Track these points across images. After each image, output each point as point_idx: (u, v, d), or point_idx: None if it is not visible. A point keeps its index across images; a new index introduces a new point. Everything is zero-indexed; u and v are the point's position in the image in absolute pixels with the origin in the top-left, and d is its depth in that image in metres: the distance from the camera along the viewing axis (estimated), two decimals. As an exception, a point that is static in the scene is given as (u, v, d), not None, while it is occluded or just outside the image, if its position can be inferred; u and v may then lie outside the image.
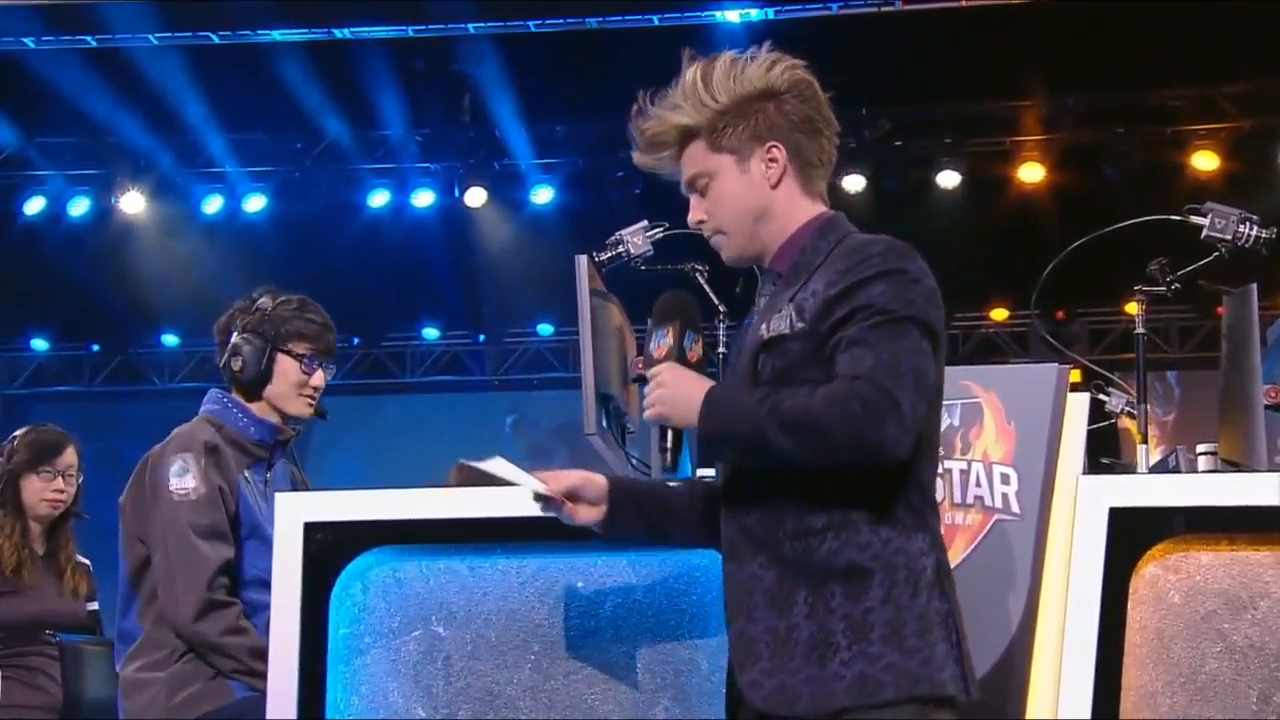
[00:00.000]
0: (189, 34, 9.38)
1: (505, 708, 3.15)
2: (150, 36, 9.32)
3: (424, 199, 10.44)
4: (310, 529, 3.21)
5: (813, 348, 2.52)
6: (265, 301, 3.95)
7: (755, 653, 2.54)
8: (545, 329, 11.10)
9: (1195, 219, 3.47)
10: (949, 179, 9.88)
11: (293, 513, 3.23)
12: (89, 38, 9.25)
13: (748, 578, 2.57)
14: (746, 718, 2.59)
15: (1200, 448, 3.50)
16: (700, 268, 3.66)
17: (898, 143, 9.87)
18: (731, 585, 2.61)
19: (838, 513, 2.52)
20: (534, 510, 3.22)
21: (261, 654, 3.53)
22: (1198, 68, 9.61)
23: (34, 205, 10.49)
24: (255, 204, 10.50)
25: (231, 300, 4.07)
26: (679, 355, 2.75)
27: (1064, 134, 10.08)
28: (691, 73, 2.66)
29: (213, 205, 10.58)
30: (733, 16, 9.15)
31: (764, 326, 2.60)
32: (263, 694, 3.55)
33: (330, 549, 3.19)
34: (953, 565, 3.01)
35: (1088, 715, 3.03)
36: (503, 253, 10.50)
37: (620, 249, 3.64)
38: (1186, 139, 10.00)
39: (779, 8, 9.03)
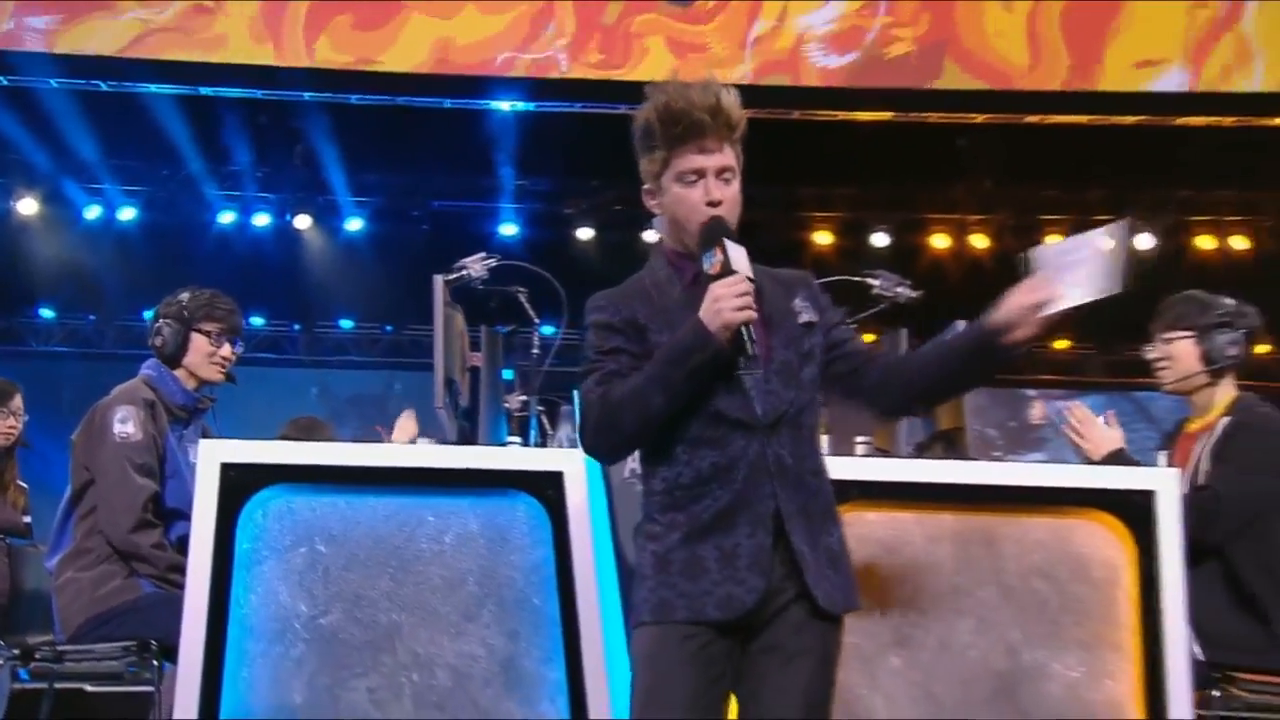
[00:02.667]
0: (83, 81, 8.85)
1: (368, 606, 3.12)
2: (51, 81, 8.76)
3: (262, 220, 10.01)
4: (225, 468, 3.11)
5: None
6: (184, 295, 3.82)
7: (806, 561, 2.36)
8: (347, 323, 10.76)
9: (870, 280, 3.60)
10: (652, 235, 9.92)
11: (212, 455, 3.13)
12: (1, 78, 8.64)
13: (786, 498, 2.37)
14: (715, 615, 2.34)
15: (859, 439, 3.54)
16: (522, 290, 3.64)
17: (617, 207, 9.88)
18: (778, 502, 2.37)
19: (822, 460, 2.49)
20: (398, 461, 3.19)
21: (175, 567, 3.42)
22: (821, 172, 9.92)
23: (-54, 205, 9.74)
24: (127, 214, 9.88)
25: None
26: (726, 269, 2.37)
27: (730, 212, 10.30)
28: (730, 93, 2.43)
29: (92, 212, 9.91)
30: (504, 106, 9.08)
31: (802, 315, 2.47)
32: (168, 592, 3.44)
33: (240, 484, 3.11)
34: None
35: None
36: (320, 265, 10.15)
37: (464, 272, 3.58)
38: (810, 223, 10.22)
39: (539, 103, 9.02)
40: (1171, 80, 8.73)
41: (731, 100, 2.43)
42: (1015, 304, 2.37)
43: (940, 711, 3.07)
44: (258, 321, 10.88)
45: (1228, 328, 3.61)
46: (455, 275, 3.57)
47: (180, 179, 9.79)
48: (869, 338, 3.76)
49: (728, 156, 2.44)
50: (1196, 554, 3.24)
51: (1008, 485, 3.19)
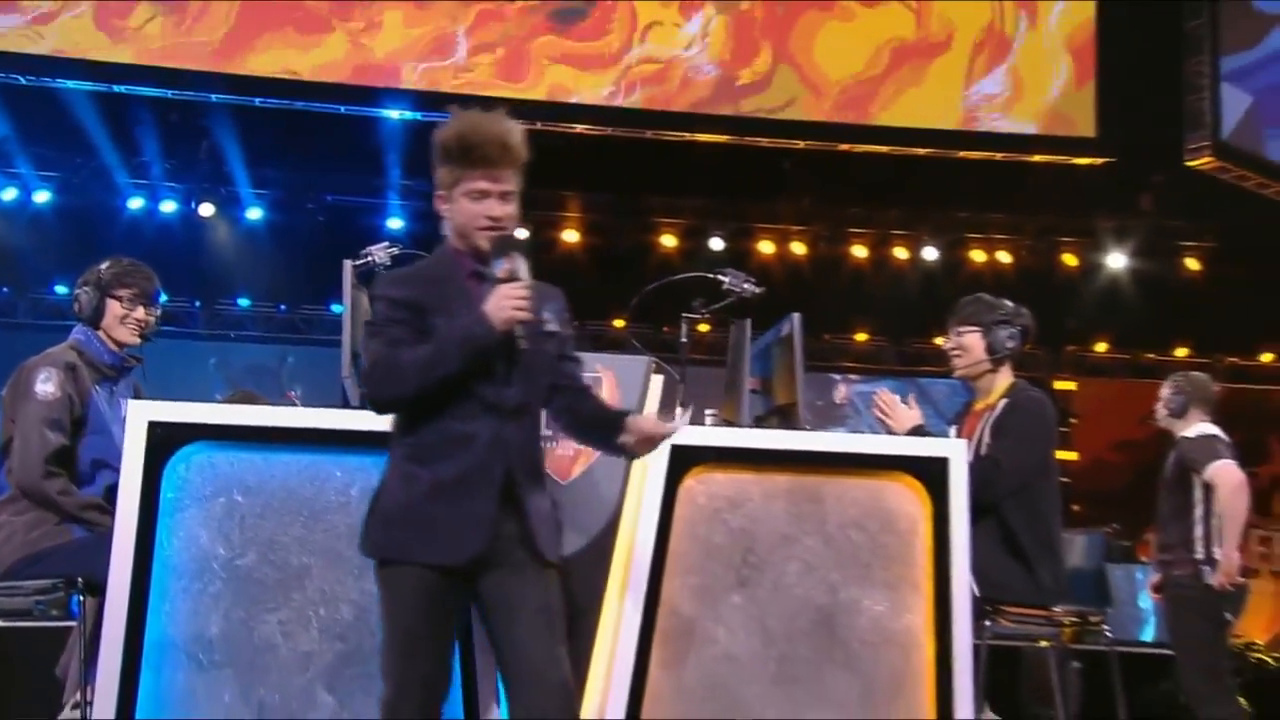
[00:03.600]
0: (2, 75, 8.34)
1: (281, 550, 3.05)
2: (-31, 72, 8.26)
3: (169, 207, 9.58)
4: (152, 425, 3.00)
5: None
6: (104, 265, 3.67)
7: (531, 520, 2.51)
8: (244, 302, 10.37)
9: (722, 277, 3.64)
10: (520, 234, 9.80)
11: (141, 414, 3.02)
12: (-80, 68, 8.10)
13: (516, 468, 2.51)
14: (466, 560, 2.46)
15: (708, 412, 3.57)
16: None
17: (491, 210, 9.76)
18: (509, 471, 2.50)
19: (540, 440, 2.63)
20: (310, 423, 3.12)
21: (88, 507, 3.29)
22: (669, 185, 9.98)
23: (-128, 184, 9.03)
24: (42, 197, 9.35)
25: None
26: (513, 275, 2.51)
27: (591, 215, 10.28)
28: (519, 131, 2.54)
29: (9, 194, 9.35)
30: (394, 114, 8.92)
31: (551, 324, 2.56)
32: (97, 536, 3.30)
33: (166, 440, 3.01)
34: (575, 477, 3.12)
35: (649, 556, 3.15)
36: (221, 249, 9.78)
37: (369, 258, 3.50)
38: (658, 227, 10.28)
39: (424, 113, 8.88)
40: (952, 121, 9.19)
41: (519, 139, 2.54)
42: (641, 427, 2.57)
43: (771, 640, 3.16)
44: (162, 298, 10.42)
45: (1008, 325, 3.79)
46: (362, 261, 3.49)
47: (93, 167, 9.30)
48: (704, 327, 3.77)
49: (510, 182, 2.54)
50: (978, 511, 3.40)
51: (831, 452, 3.30)
